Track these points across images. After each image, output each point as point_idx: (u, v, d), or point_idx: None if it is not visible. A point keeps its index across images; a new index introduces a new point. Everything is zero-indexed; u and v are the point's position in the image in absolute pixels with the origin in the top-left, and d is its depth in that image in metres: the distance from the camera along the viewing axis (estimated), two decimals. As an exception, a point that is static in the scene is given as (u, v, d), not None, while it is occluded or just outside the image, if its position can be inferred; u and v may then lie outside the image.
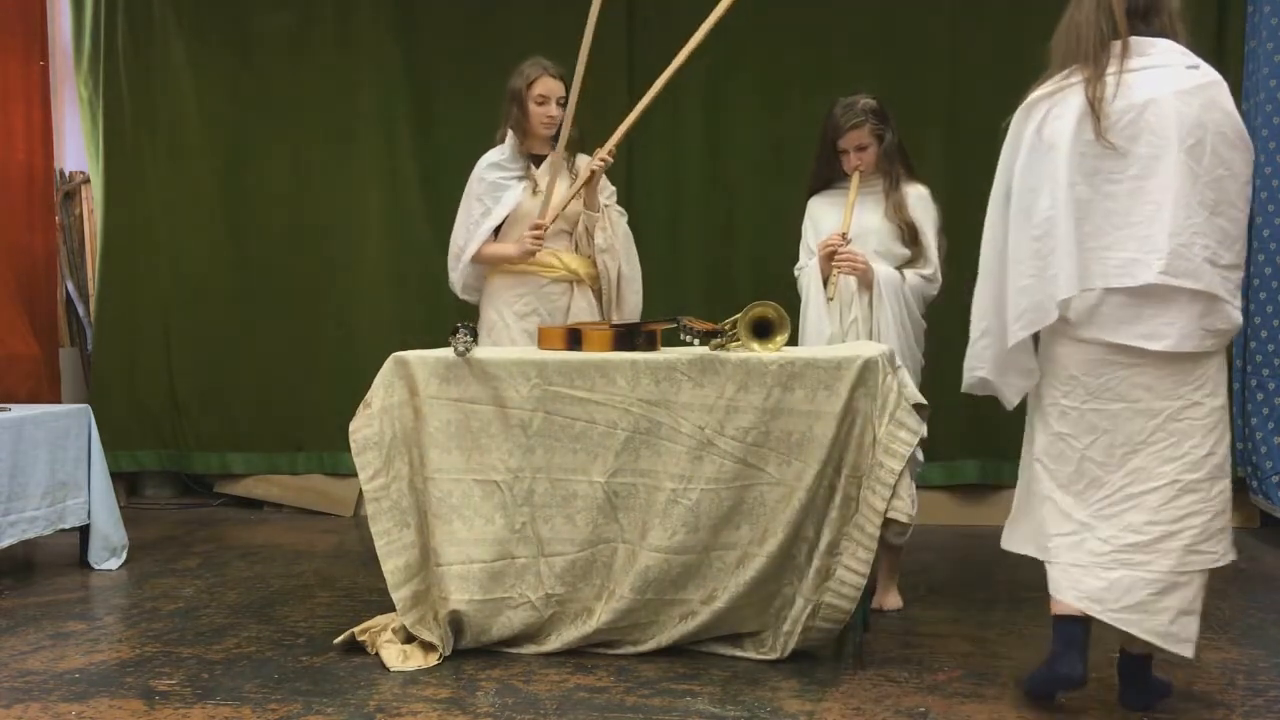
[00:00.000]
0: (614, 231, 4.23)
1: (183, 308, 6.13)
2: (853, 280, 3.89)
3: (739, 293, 5.26)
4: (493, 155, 4.25)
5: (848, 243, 3.87)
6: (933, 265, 3.93)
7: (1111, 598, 2.86)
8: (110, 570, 4.66)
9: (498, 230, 4.21)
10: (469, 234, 4.22)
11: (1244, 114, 5.03)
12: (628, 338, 3.53)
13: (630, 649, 3.39)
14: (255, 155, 6.09)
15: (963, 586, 4.36)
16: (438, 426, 3.42)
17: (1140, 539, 2.85)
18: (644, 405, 3.34)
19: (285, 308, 6.05)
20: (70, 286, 6.40)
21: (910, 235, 3.91)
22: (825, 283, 3.90)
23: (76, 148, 6.39)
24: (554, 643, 3.41)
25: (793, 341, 3.54)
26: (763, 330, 3.40)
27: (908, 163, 4.00)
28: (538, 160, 4.22)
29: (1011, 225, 2.93)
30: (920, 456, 3.62)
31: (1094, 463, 2.91)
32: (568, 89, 4.13)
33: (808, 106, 5.04)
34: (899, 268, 3.91)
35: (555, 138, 4.18)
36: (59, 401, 5.97)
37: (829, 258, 3.88)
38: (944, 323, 4.24)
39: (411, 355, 3.48)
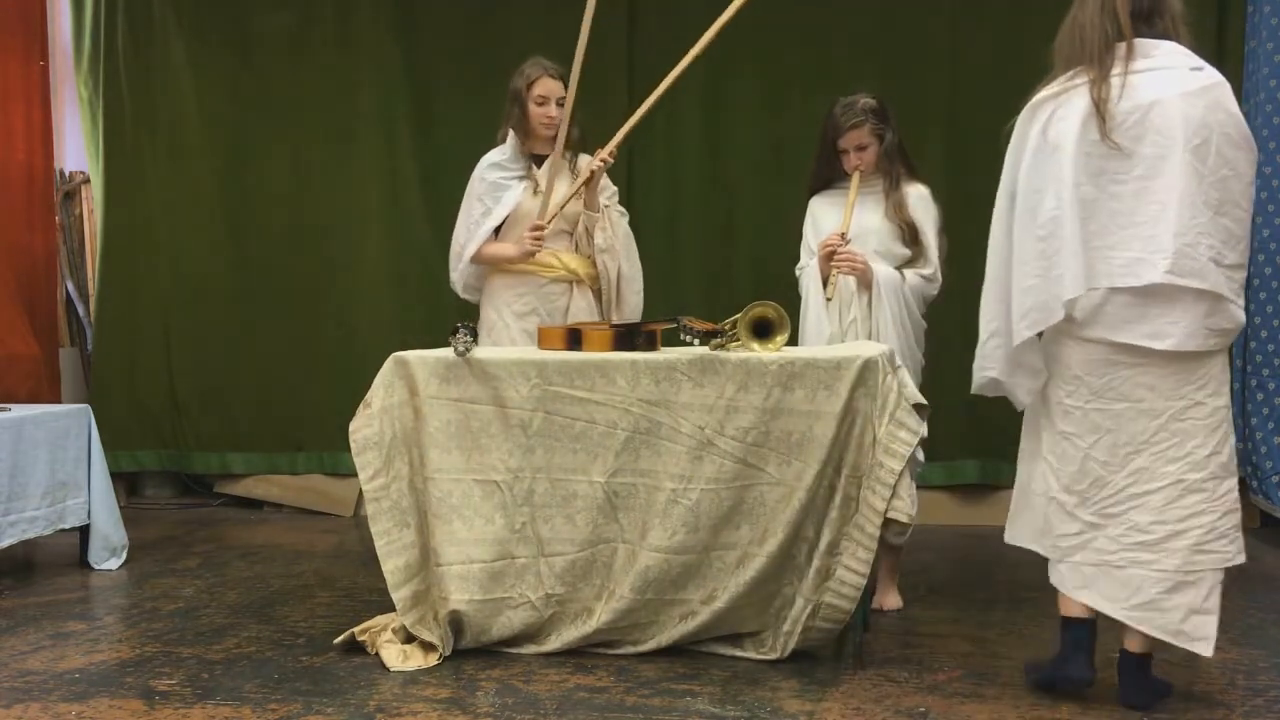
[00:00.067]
0: (614, 232, 4.23)
1: (183, 308, 6.13)
2: (852, 280, 3.89)
3: (739, 293, 5.26)
4: (493, 155, 4.25)
5: (847, 243, 3.87)
6: (933, 265, 3.93)
7: (1123, 596, 2.90)
8: (110, 570, 4.66)
9: (499, 230, 4.21)
10: (469, 234, 4.22)
11: (1244, 114, 5.04)
12: (628, 338, 3.53)
13: (630, 649, 3.39)
14: (255, 155, 6.09)
15: (963, 586, 4.36)
16: (438, 426, 3.42)
17: (1146, 538, 2.88)
18: (644, 405, 3.34)
19: (285, 308, 6.05)
20: (70, 286, 6.40)
21: (910, 235, 3.91)
22: (825, 283, 3.90)
23: (76, 148, 6.39)
24: (554, 643, 3.40)
25: (793, 341, 3.54)
26: (763, 330, 3.40)
27: (909, 162, 3.99)
28: (539, 160, 4.22)
29: (1017, 226, 2.95)
30: (921, 456, 3.63)
31: (1097, 462, 2.93)
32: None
33: (808, 106, 5.04)
34: (899, 268, 3.91)
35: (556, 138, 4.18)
36: (59, 401, 5.97)
37: (828, 258, 3.88)
38: (944, 323, 4.25)
39: (411, 355, 3.48)
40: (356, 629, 3.50)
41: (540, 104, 4.16)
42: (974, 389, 3.11)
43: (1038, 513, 3.07)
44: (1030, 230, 2.91)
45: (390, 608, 3.46)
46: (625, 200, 4.66)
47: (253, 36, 6.06)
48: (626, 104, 5.28)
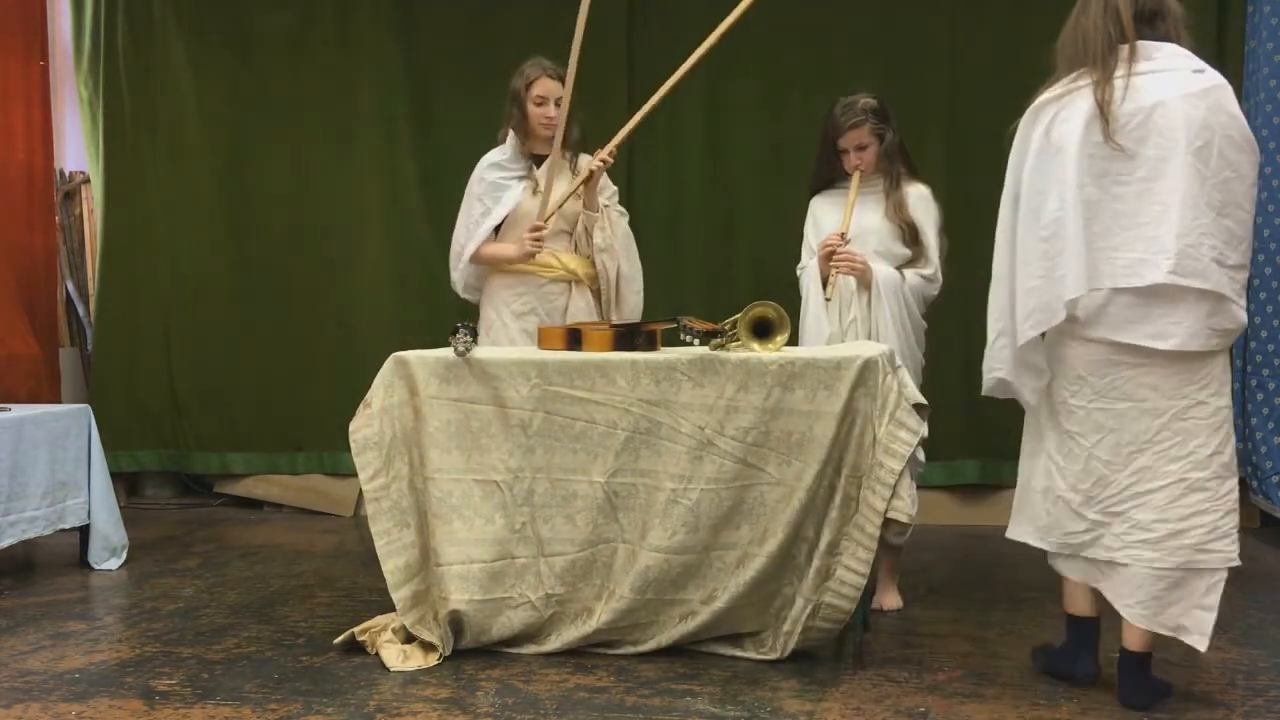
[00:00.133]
0: (613, 231, 4.22)
1: (183, 308, 6.13)
2: (852, 280, 3.88)
3: (739, 293, 5.26)
4: (493, 155, 4.25)
5: (846, 243, 3.87)
6: (933, 265, 3.93)
7: (1125, 593, 2.94)
8: (110, 570, 4.66)
9: (498, 230, 4.21)
10: (469, 234, 4.22)
11: (1244, 114, 5.04)
12: (628, 338, 3.53)
13: (630, 649, 3.39)
14: (255, 155, 6.09)
15: (963, 586, 4.36)
16: (438, 426, 3.42)
17: (1149, 536, 2.91)
18: (644, 405, 3.34)
19: (285, 308, 6.05)
20: (70, 286, 6.40)
21: (910, 235, 3.91)
22: (824, 283, 3.90)
23: (76, 148, 6.39)
24: (554, 643, 3.40)
25: (793, 341, 3.54)
26: (763, 330, 3.40)
27: (909, 162, 3.99)
28: (539, 160, 4.22)
29: (1020, 227, 2.98)
30: (921, 456, 3.63)
31: (1101, 461, 2.96)
32: (569, 90, 4.14)
33: (808, 106, 5.04)
34: (899, 267, 3.91)
35: (557, 138, 4.18)
36: (59, 401, 5.97)
37: (828, 258, 3.88)
38: (944, 323, 4.25)
39: (411, 355, 3.48)
40: (356, 629, 3.50)
41: (539, 104, 4.16)
42: (985, 391, 3.14)
43: (1039, 509, 3.10)
44: (1034, 231, 2.94)
45: (390, 608, 3.46)
46: (625, 200, 4.66)
47: (253, 36, 6.06)
48: (626, 104, 5.29)
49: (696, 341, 3.47)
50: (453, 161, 5.09)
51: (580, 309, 4.21)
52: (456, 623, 3.40)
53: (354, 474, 3.59)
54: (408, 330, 5.63)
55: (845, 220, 3.90)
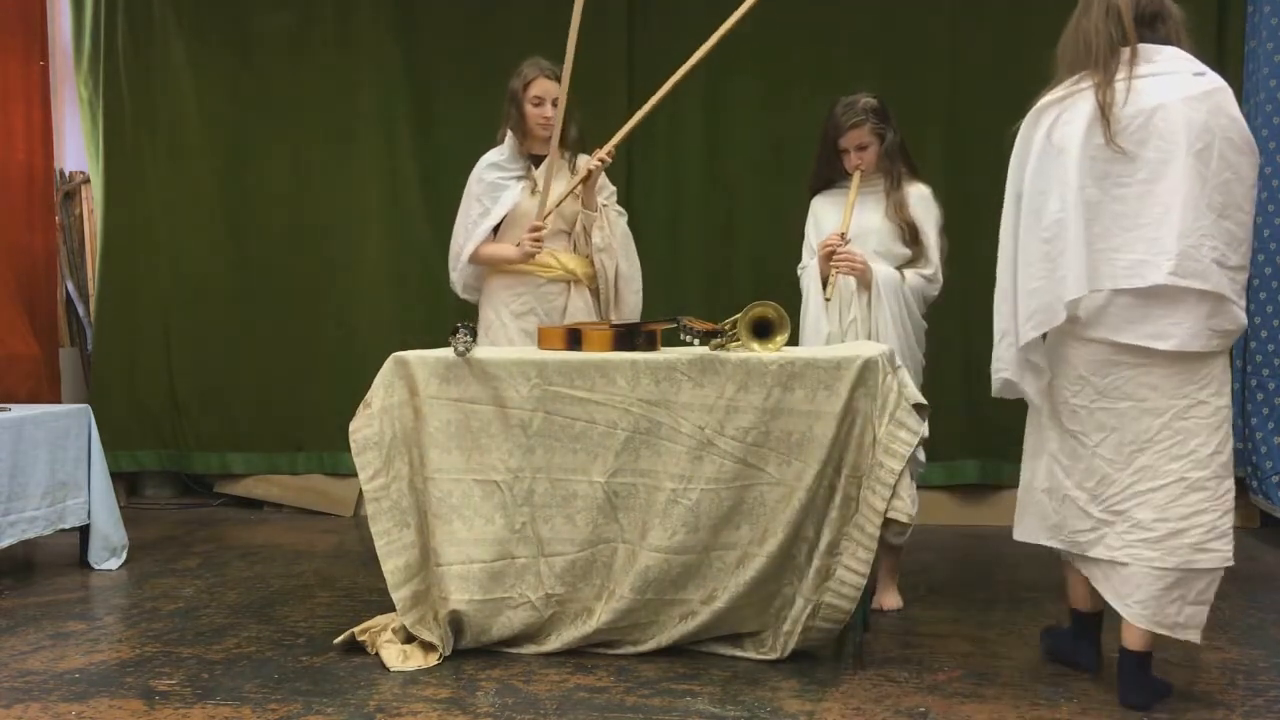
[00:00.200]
0: (611, 231, 4.23)
1: (183, 308, 6.13)
2: (852, 280, 3.88)
3: (739, 293, 5.26)
4: (492, 155, 4.25)
5: (846, 243, 3.87)
6: (933, 265, 3.93)
7: (1125, 592, 2.96)
8: (110, 570, 4.66)
9: (497, 230, 4.21)
10: (468, 234, 4.22)
11: (1244, 114, 5.04)
12: (628, 338, 3.53)
13: (630, 649, 3.39)
14: (255, 155, 6.09)
15: (963, 586, 4.36)
16: (438, 426, 3.42)
17: (1149, 535, 2.93)
18: (644, 405, 3.34)
19: (285, 308, 6.05)
20: (70, 286, 6.40)
21: (911, 235, 3.91)
22: (824, 283, 3.90)
23: (76, 148, 6.39)
24: (554, 643, 3.40)
25: (793, 341, 3.54)
26: (763, 330, 3.40)
27: (910, 162, 3.99)
28: (538, 161, 4.22)
29: (1022, 228, 3.01)
30: (922, 456, 3.63)
31: (1104, 460, 2.99)
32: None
33: (808, 106, 5.04)
34: (900, 267, 3.91)
35: (555, 138, 4.18)
36: (59, 401, 5.97)
37: (827, 258, 3.88)
38: (944, 323, 4.25)
39: (411, 355, 3.48)
40: (356, 629, 3.50)
41: (537, 104, 4.16)
42: (994, 392, 3.16)
43: (1046, 508, 3.13)
44: (1035, 233, 2.96)
45: (390, 608, 3.46)
46: (626, 200, 4.66)
47: (253, 36, 6.06)
48: (626, 104, 5.29)
49: (696, 341, 3.47)
50: (453, 161, 5.09)
51: (579, 309, 4.21)
52: (456, 623, 3.40)
53: (354, 474, 3.59)
54: (408, 330, 5.63)
55: (845, 220, 3.90)
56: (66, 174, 6.43)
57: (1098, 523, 3.00)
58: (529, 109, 4.16)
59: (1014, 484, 3.28)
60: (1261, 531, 5.34)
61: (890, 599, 3.98)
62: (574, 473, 3.38)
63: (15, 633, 3.74)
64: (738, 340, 3.41)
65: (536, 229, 4.09)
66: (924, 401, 3.36)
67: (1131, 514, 2.94)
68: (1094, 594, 3.13)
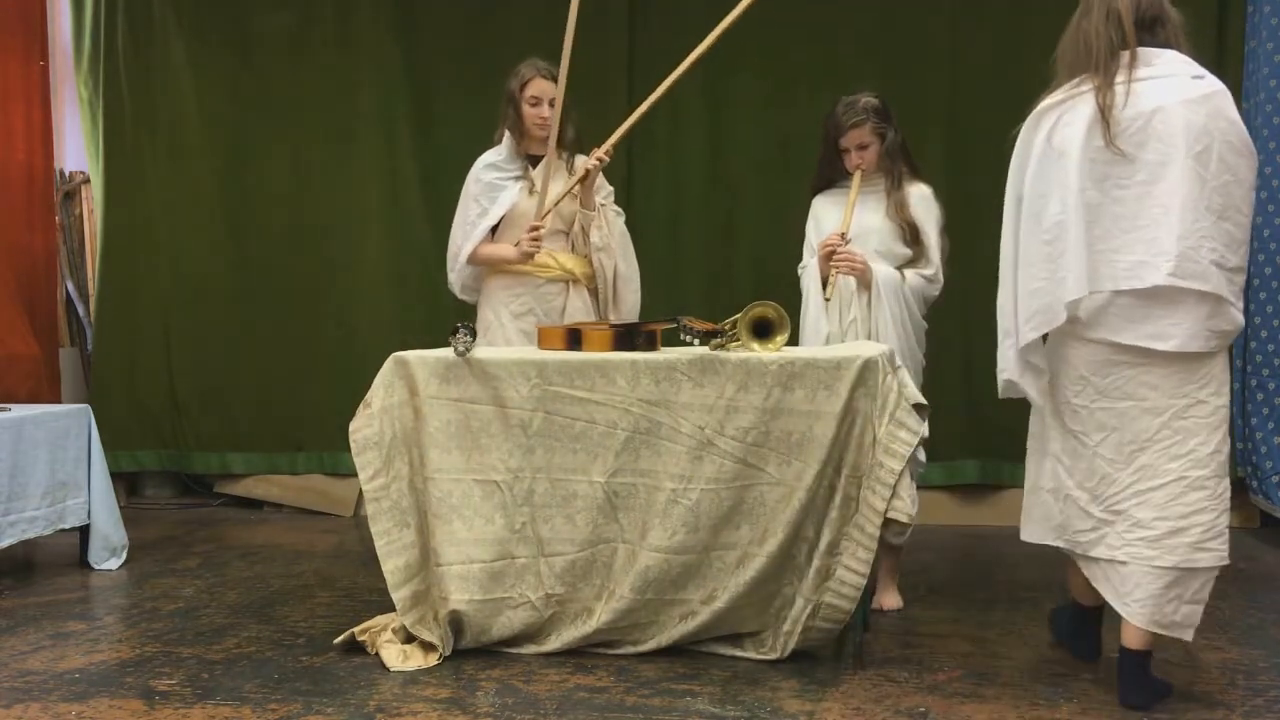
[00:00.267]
0: (610, 230, 4.23)
1: (183, 308, 6.14)
2: (852, 280, 3.88)
3: (739, 293, 5.26)
4: (489, 156, 4.25)
5: (847, 243, 3.87)
6: (934, 265, 3.93)
7: (1125, 591, 2.97)
8: (110, 570, 4.66)
9: (495, 230, 4.21)
10: (465, 235, 4.22)
11: (1244, 114, 5.05)
12: (628, 338, 3.53)
13: (630, 649, 3.39)
14: (255, 155, 6.09)
15: (963, 586, 4.36)
16: (438, 426, 3.42)
17: (1149, 534, 2.95)
18: (644, 405, 3.34)
19: (285, 308, 6.05)
20: (70, 286, 6.40)
21: (911, 235, 3.90)
22: (824, 283, 3.90)
23: (76, 148, 6.39)
24: (554, 643, 3.40)
25: (793, 341, 3.54)
26: (763, 330, 3.40)
27: (911, 162, 3.99)
28: (535, 161, 4.22)
29: (1023, 230, 3.04)
30: (922, 457, 3.63)
31: (1104, 460, 3.01)
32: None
33: (808, 105, 5.05)
34: (900, 268, 3.91)
35: (553, 139, 4.18)
36: (59, 401, 5.97)
37: (827, 258, 3.88)
38: (944, 323, 4.25)
39: (411, 355, 3.48)
40: (356, 629, 3.50)
41: (534, 105, 4.16)
42: (1000, 394, 3.17)
43: (1051, 508, 3.14)
44: (1036, 235, 2.99)
45: (390, 608, 3.46)
46: (626, 199, 4.66)
47: (253, 36, 6.06)
48: (626, 104, 5.28)
49: (696, 341, 3.47)
50: (453, 161, 5.09)
51: (578, 309, 4.21)
52: (456, 623, 3.40)
53: (354, 474, 3.59)
54: (408, 330, 5.63)
55: (846, 220, 3.90)
56: (66, 174, 6.43)
57: (1098, 523, 3.02)
58: (526, 109, 4.16)
59: (1014, 484, 3.30)
60: (1261, 531, 5.34)
61: (890, 599, 3.98)
62: (574, 473, 3.37)
63: (15, 633, 3.74)
64: (738, 340, 3.41)
65: (535, 229, 4.09)
66: (924, 401, 3.36)
67: (1131, 513, 2.96)
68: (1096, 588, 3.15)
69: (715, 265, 5.82)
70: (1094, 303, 2.95)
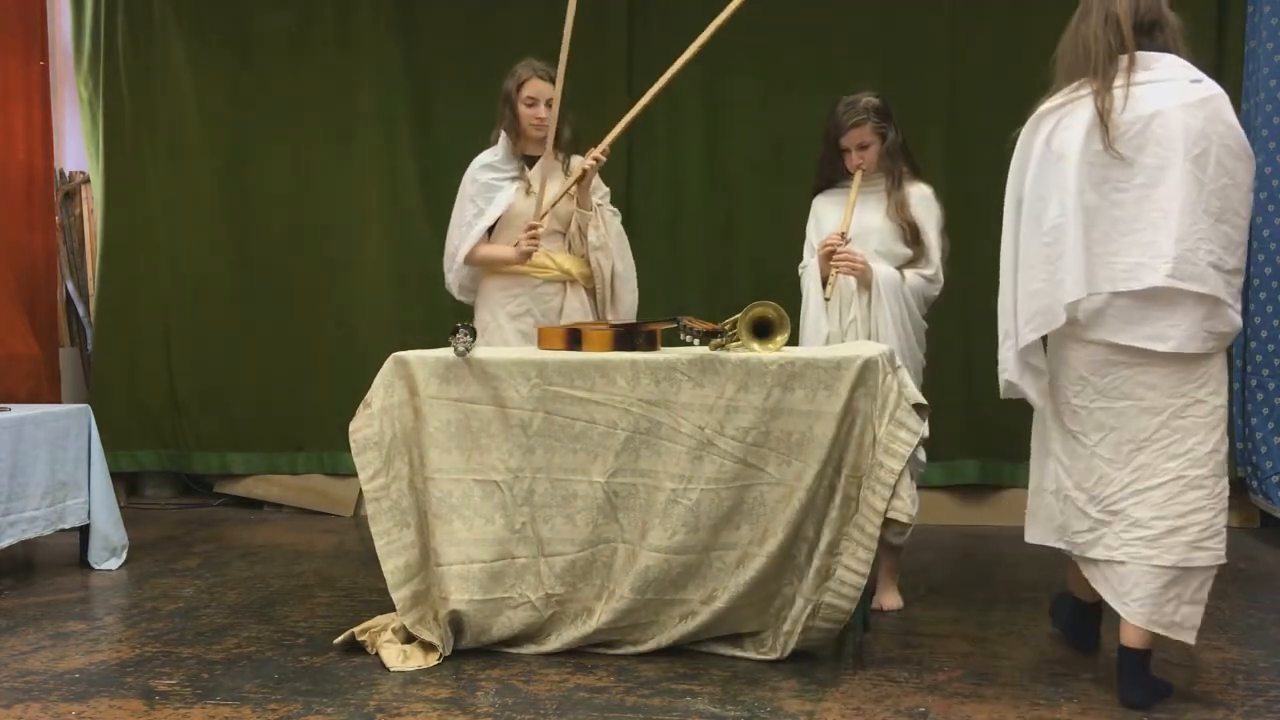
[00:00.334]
0: (607, 230, 4.23)
1: (183, 308, 6.14)
2: (852, 280, 3.88)
3: (739, 293, 5.26)
4: (485, 156, 4.25)
5: (847, 242, 3.87)
6: (934, 265, 3.93)
7: (1124, 590, 2.98)
8: (110, 570, 4.66)
9: (491, 231, 4.21)
10: (462, 235, 4.22)
11: (1244, 114, 5.07)
12: (627, 338, 3.53)
13: (630, 649, 3.39)
14: (255, 155, 6.09)
15: (963, 586, 4.36)
16: (438, 426, 3.42)
17: (1147, 533, 2.96)
18: (644, 405, 3.34)
19: (285, 308, 6.05)
20: (70, 286, 6.40)
21: (912, 235, 3.90)
22: (824, 283, 3.90)
23: (76, 148, 6.39)
24: (554, 643, 3.40)
25: (793, 341, 3.54)
26: (763, 330, 3.40)
27: (912, 162, 3.99)
28: (531, 161, 4.22)
29: (1022, 232, 3.06)
30: (922, 456, 3.63)
31: (1103, 459, 3.02)
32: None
33: (808, 105, 5.04)
34: (900, 268, 3.90)
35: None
36: (59, 401, 5.97)
37: (827, 257, 3.88)
38: (944, 323, 4.24)
39: (411, 355, 3.48)
40: (356, 629, 3.50)
41: (530, 105, 4.16)
42: (1001, 395, 3.18)
43: (1053, 509, 3.16)
44: (1036, 237, 3.01)
45: (390, 608, 3.46)
46: (625, 200, 4.66)
47: (253, 36, 6.06)
48: (626, 104, 5.25)
49: (696, 341, 3.47)
50: (453, 161, 5.07)
51: (575, 309, 4.21)
52: (456, 623, 3.40)
53: (354, 474, 3.59)
54: (408, 330, 5.63)
55: (846, 219, 3.90)
56: (66, 174, 6.43)
57: (1095, 523, 3.03)
58: (522, 110, 4.17)
59: (1014, 484, 3.30)
60: (1261, 531, 5.34)
61: (890, 599, 3.98)
62: (574, 473, 3.38)
63: (15, 633, 3.74)
64: (738, 340, 3.41)
65: (533, 228, 4.09)
66: (924, 401, 3.36)
67: (1129, 513, 2.97)
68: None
69: (715, 265, 5.81)
70: (1093, 304, 2.97)
